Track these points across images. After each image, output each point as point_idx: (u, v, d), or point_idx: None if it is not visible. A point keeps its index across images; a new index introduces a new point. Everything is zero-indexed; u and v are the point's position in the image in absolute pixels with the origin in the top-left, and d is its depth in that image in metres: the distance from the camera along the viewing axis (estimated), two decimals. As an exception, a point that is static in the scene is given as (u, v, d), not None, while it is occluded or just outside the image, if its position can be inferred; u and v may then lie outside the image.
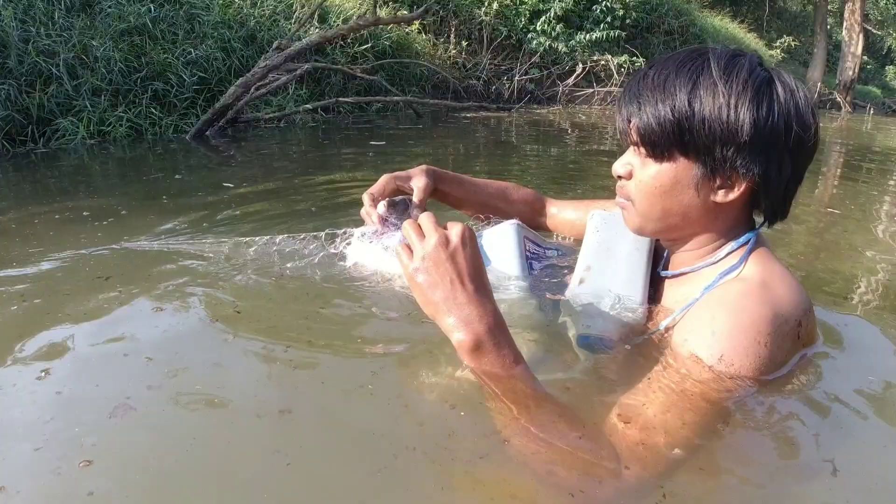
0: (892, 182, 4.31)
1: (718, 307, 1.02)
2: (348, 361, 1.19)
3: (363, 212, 1.37)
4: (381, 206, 1.31)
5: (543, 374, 1.03)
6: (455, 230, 1.00)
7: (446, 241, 0.99)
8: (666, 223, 1.13)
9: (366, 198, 1.36)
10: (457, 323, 0.96)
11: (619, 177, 1.14)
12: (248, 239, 1.71)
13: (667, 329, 1.14)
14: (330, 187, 3.12)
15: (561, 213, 1.64)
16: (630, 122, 1.08)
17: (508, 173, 3.82)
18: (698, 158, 1.04)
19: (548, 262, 1.45)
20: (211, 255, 1.70)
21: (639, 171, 1.10)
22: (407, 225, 1.03)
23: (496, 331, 0.97)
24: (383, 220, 1.31)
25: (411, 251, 1.02)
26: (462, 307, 0.97)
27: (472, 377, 1.00)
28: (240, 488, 0.86)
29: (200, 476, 0.88)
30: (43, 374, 1.11)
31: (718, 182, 1.05)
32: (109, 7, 5.20)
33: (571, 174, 3.85)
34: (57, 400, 1.04)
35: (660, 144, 1.05)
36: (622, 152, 1.16)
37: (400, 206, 1.32)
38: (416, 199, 1.38)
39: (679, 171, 1.06)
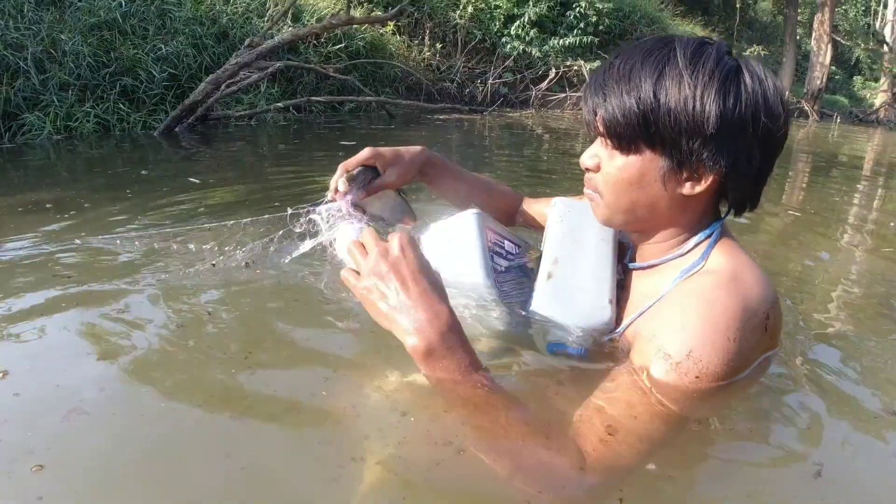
0: (858, 187, 4.45)
1: (688, 301, 1.01)
2: (302, 369, 1.20)
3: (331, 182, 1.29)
4: (342, 182, 1.23)
5: (513, 383, 1.05)
6: (394, 241, 1.00)
7: (386, 253, 0.99)
8: (634, 215, 1.10)
9: (339, 168, 1.29)
10: (408, 329, 0.94)
11: (587, 169, 1.12)
12: (211, 225, 1.72)
13: (635, 324, 1.12)
14: (299, 185, 3.15)
15: (532, 207, 1.62)
16: (596, 113, 1.05)
17: (482, 171, 3.83)
18: (664, 151, 1.01)
19: (513, 259, 1.37)
20: (174, 248, 1.73)
21: (606, 164, 1.08)
22: (352, 247, 1.03)
23: (449, 335, 0.95)
24: (343, 195, 1.23)
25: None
26: (410, 313, 0.95)
27: (424, 383, 0.99)
28: (192, 493, 0.87)
29: (151, 481, 0.89)
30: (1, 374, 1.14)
31: (685, 174, 1.03)
32: (80, 1, 5.18)
33: (543, 176, 3.91)
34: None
35: (625, 136, 1.02)
36: (590, 143, 1.13)
37: (359, 179, 1.25)
38: (383, 181, 1.33)
39: (645, 163, 1.03)
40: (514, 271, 1.32)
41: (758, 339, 1.00)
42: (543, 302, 1.16)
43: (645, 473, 0.91)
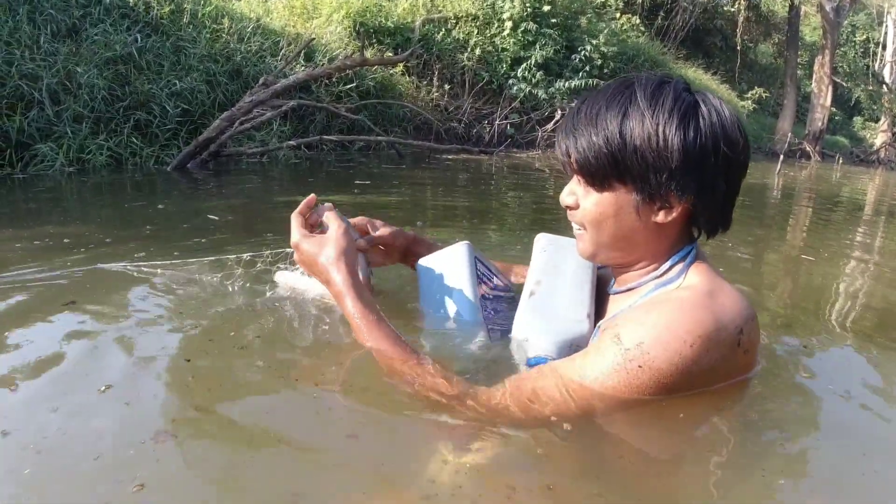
0: (860, 229, 4.40)
1: (656, 305, 1.07)
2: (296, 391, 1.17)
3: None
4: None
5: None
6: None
7: (300, 242, 1.28)
8: (615, 249, 1.16)
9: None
10: (327, 286, 1.25)
11: (567, 206, 1.18)
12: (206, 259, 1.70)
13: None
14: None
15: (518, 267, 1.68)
16: (569, 155, 1.11)
17: (488, 215, 3.83)
18: (635, 185, 1.07)
19: (498, 291, 1.50)
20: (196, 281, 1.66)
21: (583, 200, 1.14)
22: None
23: (344, 293, 1.21)
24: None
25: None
26: (321, 278, 1.26)
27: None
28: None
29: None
30: None
31: (658, 204, 1.09)
32: (96, 35, 5.21)
33: (549, 217, 3.87)
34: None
35: (597, 175, 1.09)
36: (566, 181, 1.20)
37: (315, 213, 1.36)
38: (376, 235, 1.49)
39: (619, 198, 1.10)
40: (499, 301, 1.44)
41: (725, 354, 1.03)
42: (526, 315, 1.23)
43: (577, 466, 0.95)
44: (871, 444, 1.10)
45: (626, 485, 0.93)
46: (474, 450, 0.96)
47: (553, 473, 0.94)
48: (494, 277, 1.51)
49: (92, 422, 1.01)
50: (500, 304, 1.46)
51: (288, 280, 1.55)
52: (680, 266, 1.14)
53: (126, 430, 0.98)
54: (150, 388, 1.12)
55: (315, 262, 1.25)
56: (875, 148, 18.06)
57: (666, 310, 1.04)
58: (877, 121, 21.39)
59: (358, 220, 1.47)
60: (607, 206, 1.11)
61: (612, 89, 1.10)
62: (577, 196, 1.15)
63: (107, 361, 1.22)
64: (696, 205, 1.08)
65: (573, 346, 1.16)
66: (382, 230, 1.50)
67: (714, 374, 1.04)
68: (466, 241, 1.41)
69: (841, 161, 15.28)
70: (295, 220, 1.30)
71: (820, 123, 16.07)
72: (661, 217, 1.10)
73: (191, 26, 6.04)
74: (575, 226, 1.20)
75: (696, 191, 1.06)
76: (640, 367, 1.00)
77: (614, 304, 1.24)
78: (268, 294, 1.54)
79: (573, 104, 1.19)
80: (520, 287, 1.52)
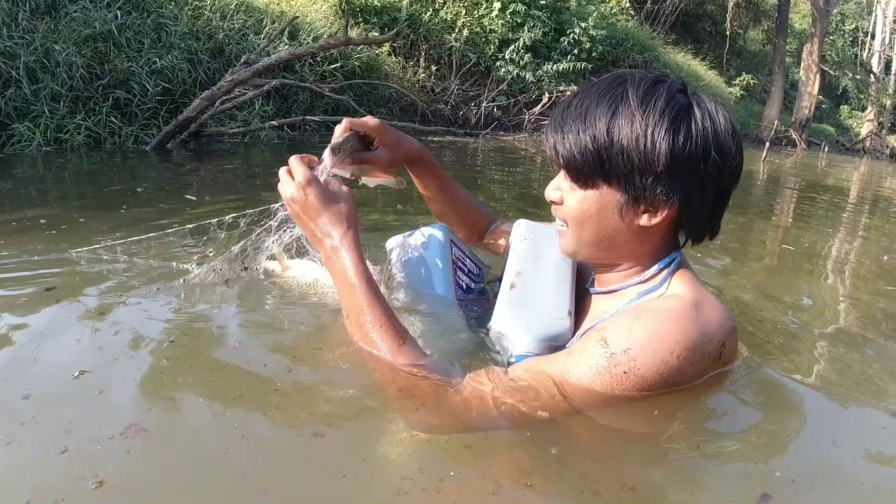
0: (844, 216, 4.46)
1: (645, 313, 1.05)
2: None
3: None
4: (327, 153, 1.24)
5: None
6: (294, 184, 1.18)
7: (293, 192, 1.18)
8: (596, 248, 1.14)
9: (344, 122, 1.30)
10: (317, 240, 1.18)
11: (552, 201, 1.16)
12: (190, 226, 1.71)
13: (587, 332, 1.15)
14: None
15: (501, 228, 1.64)
16: (556, 149, 1.09)
17: (474, 194, 3.80)
18: (620, 185, 1.05)
19: (473, 278, 1.48)
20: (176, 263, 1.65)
21: (567, 196, 1.12)
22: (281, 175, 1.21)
23: (344, 247, 1.15)
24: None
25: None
26: (318, 230, 1.17)
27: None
28: None
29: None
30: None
31: (642, 207, 1.07)
32: (75, 11, 5.12)
33: (535, 200, 3.88)
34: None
35: (583, 172, 1.07)
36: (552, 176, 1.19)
37: (345, 148, 1.25)
38: (373, 157, 1.35)
39: (603, 197, 1.08)
40: (474, 291, 1.43)
41: (707, 366, 1.05)
42: (505, 310, 1.20)
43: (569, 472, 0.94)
44: (840, 433, 1.14)
45: (602, 476, 0.95)
46: (454, 446, 0.97)
47: (535, 469, 0.96)
48: (468, 260, 1.48)
49: (63, 411, 1.01)
50: (475, 295, 1.44)
51: (292, 266, 1.50)
52: (664, 273, 1.14)
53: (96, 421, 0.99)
54: (124, 376, 1.12)
55: (320, 210, 1.16)
56: (861, 137, 18.16)
57: (654, 318, 1.04)
58: (863, 110, 21.51)
59: (371, 124, 1.32)
60: (591, 204, 1.09)
61: (605, 85, 1.07)
62: (563, 192, 1.13)
63: (82, 346, 1.22)
64: (682, 210, 1.06)
65: (553, 344, 1.15)
66: (381, 153, 1.36)
67: (683, 380, 1.05)
68: (443, 225, 1.40)
69: (826, 149, 15.38)
70: (299, 161, 1.20)
71: (807, 111, 16.13)
72: (644, 220, 1.08)
73: (172, 3, 5.94)
74: (558, 222, 1.18)
75: (682, 196, 1.04)
76: (625, 372, 1.00)
77: (595, 304, 1.23)
78: (250, 278, 1.51)
79: (564, 96, 1.18)
80: (491, 270, 1.55)
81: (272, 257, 1.51)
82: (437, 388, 1.05)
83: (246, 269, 1.50)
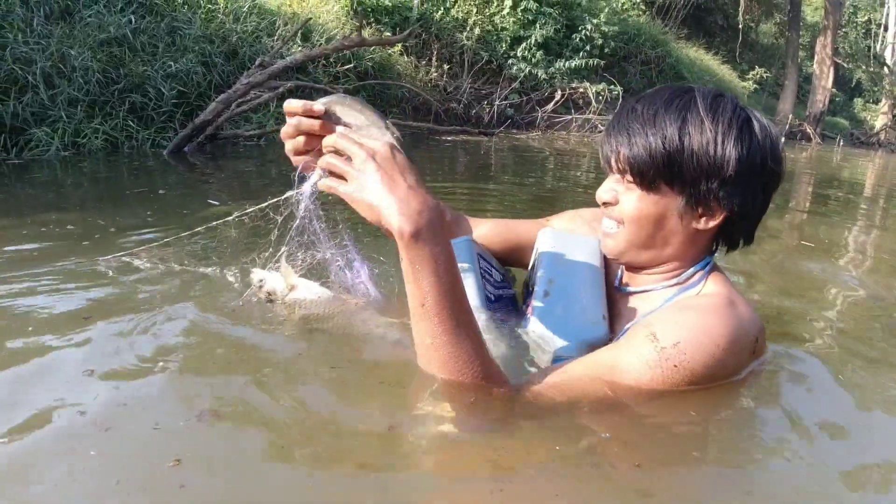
0: (861, 213, 4.40)
1: (687, 309, 1.11)
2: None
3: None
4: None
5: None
6: (381, 144, 0.98)
7: (374, 153, 0.96)
8: (648, 249, 1.18)
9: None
10: (402, 215, 0.93)
11: (605, 203, 1.19)
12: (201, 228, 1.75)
13: (628, 330, 1.18)
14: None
15: (491, 231, 1.55)
16: (619, 152, 1.12)
17: (487, 196, 3.81)
18: (683, 190, 1.10)
19: (499, 288, 1.45)
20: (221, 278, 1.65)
21: (624, 198, 1.15)
22: (339, 138, 0.99)
23: (434, 225, 0.96)
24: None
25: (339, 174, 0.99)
26: (402, 203, 0.94)
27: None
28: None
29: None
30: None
31: (700, 211, 1.12)
32: (90, 16, 5.12)
33: (549, 199, 3.84)
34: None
35: (648, 175, 1.10)
36: (602, 179, 1.21)
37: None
38: None
39: (664, 199, 1.12)
40: (503, 300, 1.42)
41: (743, 360, 1.11)
42: (542, 317, 1.23)
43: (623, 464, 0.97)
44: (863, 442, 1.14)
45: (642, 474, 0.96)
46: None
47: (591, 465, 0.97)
48: (494, 271, 1.46)
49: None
50: (504, 303, 1.42)
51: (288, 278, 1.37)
52: (700, 273, 1.19)
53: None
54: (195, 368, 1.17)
55: (412, 169, 0.99)
56: (875, 130, 17.97)
57: (699, 313, 1.09)
58: (877, 103, 21.29)
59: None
60: (650, 205, 1.13)
61: (670, 94, 1.12)
62: (617, 193, 1.16)
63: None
64: (735, 214, 1.12)
65: (591, 348, 1.17)
66: None
67: (727, 373, 1.10)
68: (468, 237, 1.40)
69: (841, 143, 15.23)
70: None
71: (821, 105, 15.97)
72: (701, 223, 1.13)
73: (185, 6, 5.93)
74: (609, 223, 1.20)
75: (739, 202, 1.10)
76: (675, 366, 1.03)
77: (629, 304, 1.26)
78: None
79: (626, 104, 1.17)
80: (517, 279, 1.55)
81: (276, 268, 1.38)
82: (500, 400, 1.06)
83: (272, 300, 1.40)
